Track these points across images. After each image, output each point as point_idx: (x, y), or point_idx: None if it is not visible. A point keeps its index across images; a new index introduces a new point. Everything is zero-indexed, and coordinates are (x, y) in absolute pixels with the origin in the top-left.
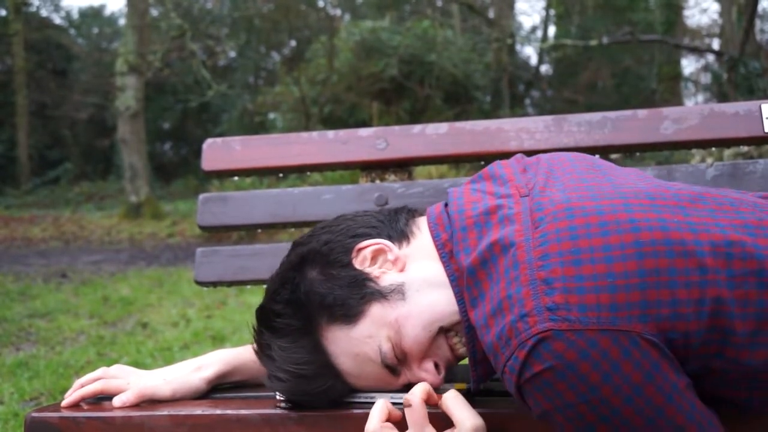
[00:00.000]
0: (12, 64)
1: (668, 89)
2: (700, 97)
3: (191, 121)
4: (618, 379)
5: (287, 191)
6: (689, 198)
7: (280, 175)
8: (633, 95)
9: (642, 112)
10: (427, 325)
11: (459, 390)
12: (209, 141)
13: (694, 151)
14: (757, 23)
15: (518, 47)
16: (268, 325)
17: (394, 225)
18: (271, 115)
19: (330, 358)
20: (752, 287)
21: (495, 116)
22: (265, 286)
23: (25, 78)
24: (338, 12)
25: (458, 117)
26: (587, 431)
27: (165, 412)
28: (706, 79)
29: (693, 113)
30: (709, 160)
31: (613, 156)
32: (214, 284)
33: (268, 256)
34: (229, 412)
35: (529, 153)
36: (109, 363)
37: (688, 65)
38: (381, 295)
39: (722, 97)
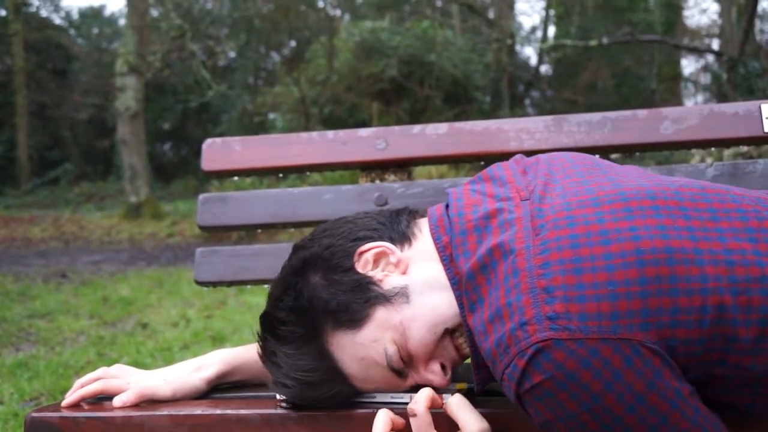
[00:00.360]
0: (12, 65)
1: (668, 89)
2: (700, 98)
3: (191, 121)
4: (620, 387)
5: (287, 191)
6: (690, 197)
7: (280, 175)
8: (633, 95)
9: (642, 113)
10: (432, 327)
11: (459, 390)
12: (209, 141)
13: (693, 151)
14: (757, 23)
15: (518, 47)
16: (273, 333)
17: (396, 227)
18: (271, 116)
19: (336, 363)
20: (755, 294)
21: (495, 116)
22: (267, 290)
23: (25, 78)
24: (338, 12)
25: (458, 117)
26: None
27: (165, 412)
28: (705, 79)
29: (693, 113)
30: (709, 160)
31: (613, 156)
32: (214, 284)
33: (268, 257)
34: (229, 412)
35: (529, 153)
36: (109, 363)
37: (688, 65)
38: (385, 298)
39: (722, 98)
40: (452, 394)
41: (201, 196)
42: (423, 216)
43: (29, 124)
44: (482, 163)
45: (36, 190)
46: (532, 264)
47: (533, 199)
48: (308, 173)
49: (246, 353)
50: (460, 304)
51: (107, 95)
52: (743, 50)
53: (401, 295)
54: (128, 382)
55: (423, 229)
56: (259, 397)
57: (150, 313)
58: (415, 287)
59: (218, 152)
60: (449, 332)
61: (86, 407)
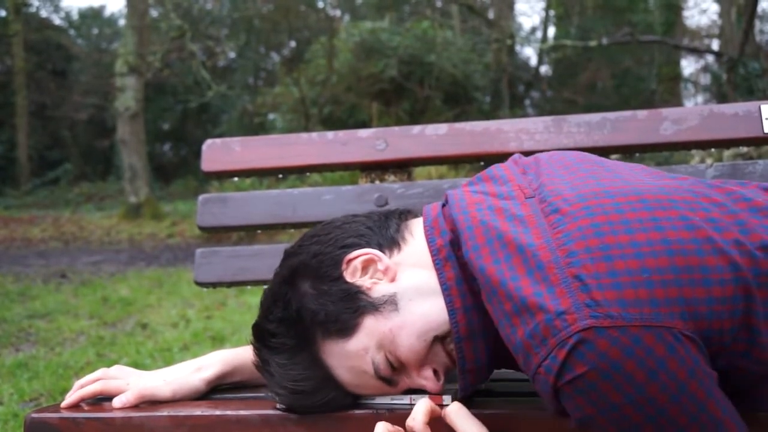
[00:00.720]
0: (12, 65)
1: (668, 90)
2: (700, 98)
3: (191, 121)
4: (664, 376)
5: (287, 192)
6: (703, 193)
7: (280, 175)
8: (633, 96)
9: (641, 113)
10: (421, 334)
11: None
12: (209, 142)
13: (693, 151)
14: (757, 24)
15: (518, 48)
16: (264, 344)
17: (384, 232)
18: (271, 116)
19: (329, 371)
20: None
21: (494, 117)
22: (260, 299)
23: (25, 79)
24: (338, 13)
25: (458, 118)
26: None
27: (165, 413)
28: (705, 79)
29: (692, 114)
30: (709, 161)
31: (613, 156)
32: (214, 285)
33: (268, 257)
34: (228, 412)
35: (529, 153)
36: (109, 364)
37: (688, 66)
38: (373, 307)
39: (722, 98)
40: (452, 399)
41: (201, 197)
42: (416, 216)
43: (29, 124)
44: (482, 163)
45: (36, 191)
46: (557, 255)
47: (542, 196)
48: (308, 174)
49: (246, 354)
50: (452, 310)
51: (107, 95)
52: (743, 51)
53: (390, 303)
54: (128, 382)
55: (414, 232)
56: (259, 397)
57: (150, 314)
58: (404, 294)
59: (218, 153)
60: (440, 339)
61: (86, 408)
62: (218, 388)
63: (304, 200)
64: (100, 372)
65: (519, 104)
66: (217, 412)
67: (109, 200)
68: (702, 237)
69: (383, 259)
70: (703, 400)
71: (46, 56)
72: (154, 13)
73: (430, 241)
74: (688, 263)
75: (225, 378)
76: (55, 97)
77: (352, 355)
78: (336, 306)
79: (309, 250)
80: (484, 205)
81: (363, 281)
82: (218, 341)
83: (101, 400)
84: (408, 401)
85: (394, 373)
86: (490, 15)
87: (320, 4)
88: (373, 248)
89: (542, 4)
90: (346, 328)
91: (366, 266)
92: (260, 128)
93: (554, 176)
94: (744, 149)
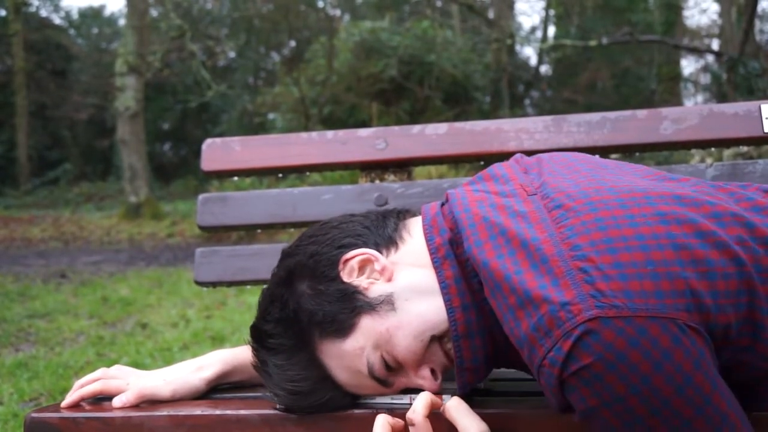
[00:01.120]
0: (12, 65)
1: (668, 89)
2: (700, 98)
3: (191, 121)
4: (669, 367)
5: (287, 191)
6: (707, 191)
7: (280, 175)
8: (632, 96)
9: (641, 113)
10: (418, 334)
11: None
12: (209, 141)
13: (693, 151)
14: (757, 24)
15: (518, 47)
16: (262, 345)
17: (381, 231)
18: (271, 116)
19: (327, 371)
20: None
21: (494, 116)
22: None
23: (25, 78)
24: (338, 12)
25: (458, 117)
26: (636, 426)
27: (165, 413)
28: (705, 79)
29: (692, 113)
30: (709, 161)
31: (613, 156)
32: (214, 284)
33: (268, 257)
34: (228, 412)
35: (529, 153)
36: (109, 363)
37: (688, 66)
38: (370, 307)
39: (722, 98)
40: (451, 395)
41: (201, 197)
42: (414, 215)
43: (29, 124)
44: (482, 163)
45: (36, 191)
46: (561, 249)
47: (545, 193)
48: (308, 173)
49: (245, 353)
50: (450, 308)
51: (107, 95)
52: (743, 50)
53: (387, 302)
54: (128, 382)
55: (412, 231)
56: (259, 397)
57: (150, 314)
58: (401, 294)
59: (218, 152)
60: (437, 338)
61: (86, 408)
62: (218, 388)
63: (304, 200)
64: (99, 372)
65: (519, 104)
66: (217, 412)
67: (109, 200)
68: (706, 231)
69: (380, 259)
70: (708, 392)
71: (45, 56)
72: (154, 12)
73: (428, 240)
74: (693, 257)
75: (225, 378)
76: (55, 96)
77: (349, 355)
78: (333, 306)
79: (306, 250)
80: (486, 203)
81: (360, 281)
82: (218, 341)
83: (101, 399)
84: (408, 401)
85: (392, 373)
86: (490, 15)
87: (320, 4)
88: (370, 248)
89: (542, 4)
90: (343, 329)
91: (363, 266)
92: (260, 128)
93: (557, 175)
94: (744, 149)
